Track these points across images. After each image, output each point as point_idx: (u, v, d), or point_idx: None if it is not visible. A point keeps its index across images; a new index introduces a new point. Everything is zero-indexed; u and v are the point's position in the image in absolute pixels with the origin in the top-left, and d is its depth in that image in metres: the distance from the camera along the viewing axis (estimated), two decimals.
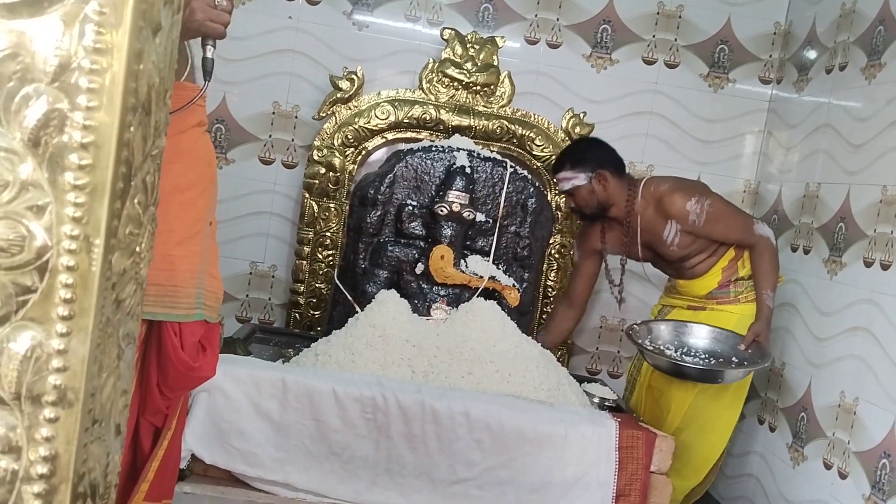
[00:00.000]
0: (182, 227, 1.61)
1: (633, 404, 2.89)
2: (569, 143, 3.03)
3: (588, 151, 2.83)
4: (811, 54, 3.14)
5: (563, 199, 2.99)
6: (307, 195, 3.15)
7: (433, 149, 2.90)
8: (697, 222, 2.69)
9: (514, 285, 2.84)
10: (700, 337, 2.74)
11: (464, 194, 2.78)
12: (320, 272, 3.16)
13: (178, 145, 1.56)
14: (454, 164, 2.84)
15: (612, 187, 2.78)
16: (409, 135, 3.17)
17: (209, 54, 1.57)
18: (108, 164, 0.75)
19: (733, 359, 2.64)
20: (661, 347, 2.70)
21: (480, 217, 2.84)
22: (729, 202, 2.82)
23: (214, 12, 1.50)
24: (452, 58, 3.16)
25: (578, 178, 2.77)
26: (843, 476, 2.49)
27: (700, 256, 2.78)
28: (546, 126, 3.23)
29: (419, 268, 2.79)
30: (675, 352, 2.69)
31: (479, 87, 3.17)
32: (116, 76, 0.74)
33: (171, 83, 0.87)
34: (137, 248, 0.84)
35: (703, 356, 2.67)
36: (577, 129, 3.23)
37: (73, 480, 0.78)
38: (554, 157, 3.19)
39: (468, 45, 3.17)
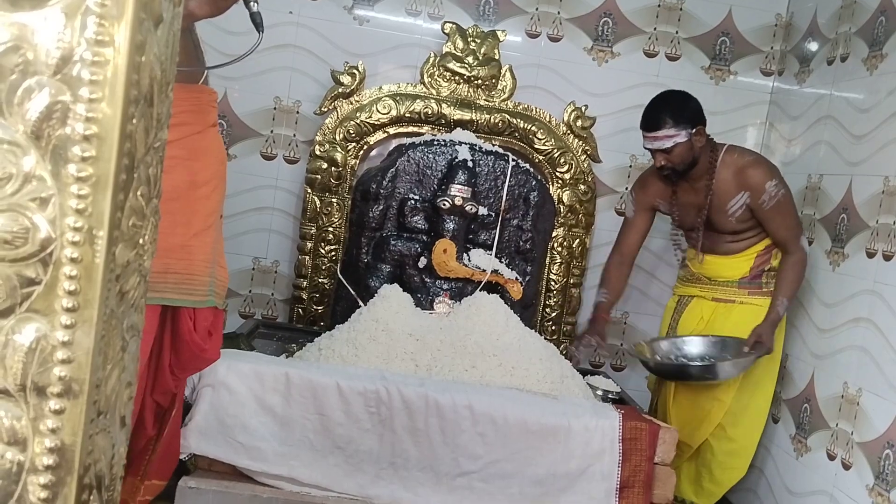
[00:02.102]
0: (198, 221, 1.72)
1: (660, 416, 2.88)
2: (656, 96, 2.74)
3: (685, 105, 2.69)
4: (812, 46, 3.14)
5: (655, 158, 2.71)
6: (309, 190, 3.15)
7: (435, 143, 2.90)
8: (766, 204, 2.66)
9: (516, 279, 2.84)
10: (698, 345, 2.76)
11: (466, 188, 2.79)
12: (323, 267, 3.16)
13: (196, 144, 1.68)
14: (456, 157, 2.85)
15: (704, 144, 2.70)
16: (410, 129, 3.17)
17: (255, 9, 1.67)
18: (110, 156, 0.75)
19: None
20: (661, 359, 2.74)
21: (483, 211, 2.84)
22: (794, 205, 2.78)
23: None
24: (453, 52, 3.16)
25: (680, 136, 2.63)
26: (846, 467, 2.49)
27: (743, 235, 2.76)
28: (548, 119, 3.22)
29: (422, 262, 2.79)
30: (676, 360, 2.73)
31: (480, 81, 3.17)
32: (118, 68, 0.74)
33: (173, 75, 0.87)
34: (141, 241, 0.84)
35: (707, 361, 2.70)
36: (579, 123, 3.23)
37: (78, 472, 0.78)
38: (556, 150, 3.20)
39: (469, 39, 3.16)
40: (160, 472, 1.97)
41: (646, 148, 2.73)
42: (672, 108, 2.66)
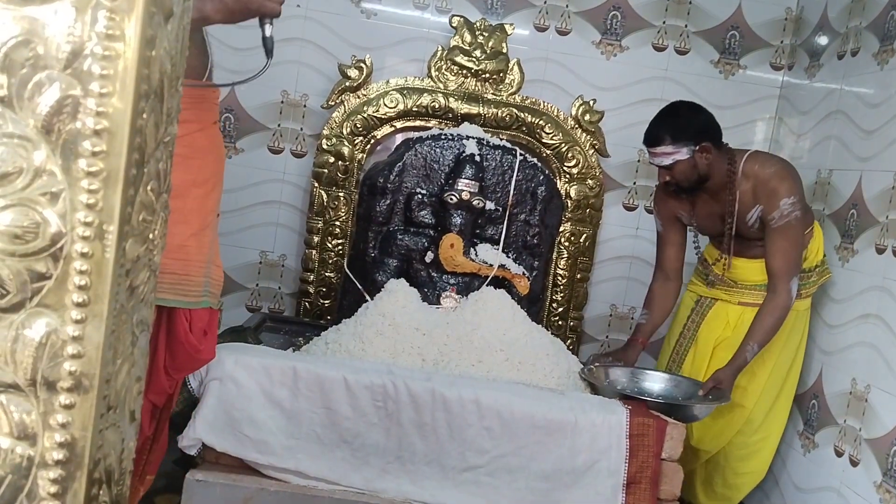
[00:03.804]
0: (197, 220, 1.70)
1: None
2: (663, 108, 2.63)
3: (689, 121, 2.55)
4: (823, 40, 3.12)
5: (658, 172, 2.64)
6: (316, 184, 3.15)
7: (442, 137, 2.90)
8: (776, 222, 2.52)
9: (523, 273, 2.84)
10: (657, 381, 2.65)
11: (473, 182, 2.78)
12: (330, 261, 3.17)
13: (197, 142, 1.67)
14: (463, 152, 2.84)
15: (714, 159, 2.56)
16: (418, 123, 3.16)
17: (268, 33, 1.64)
18: (121, 151, 0.75)
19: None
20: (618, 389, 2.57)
21: (490, 205, 2.84)
22: (804, 236, 2.62)
23: None
24: (461, 45, 3.15)
25: (680, 153, 2.51)
26: (854, 463, 2.49)
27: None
28: (555, 114, 3.21)
29: (429, 256, 2.79)
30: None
31: (488, 75, 3.16)
32: (129, 63, 0.74)
33: (182, 70, 0.87)
34: (150, 235, 0.84)
35: (660, 400, 2.52)
36: (587, 117, 3.22)
37: (88, 466, 0.78)
38: (564, 144, 3.19)
39: (477, 33, 3.15)
40: (153, 467, 1.97)
41: (650, 162, 2.66)
42: (673, 124, 2.53)
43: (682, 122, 2.54)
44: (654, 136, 2.55)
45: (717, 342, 2.75)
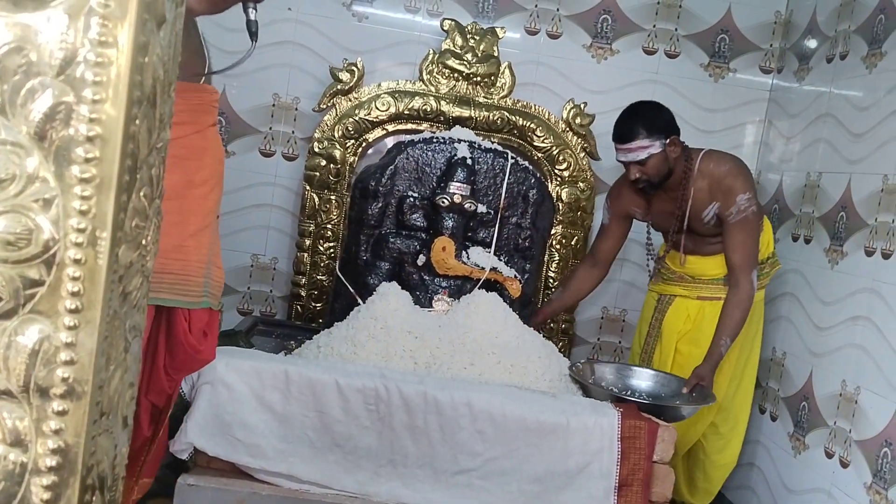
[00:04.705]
0: (195, 221, 1.70)
1: None
2: (628, 107, 2.69)
3: (658, 115, 2.65)
4: (812, 43, 3.14)
5: (630, 169, 2.66)
6: (308, 187, 3.15)
7: (434, 140, 2.90)
8: (733, 217, 2.60)
9: (515, 276, 2.84)
10: (643, 379, 2.70)
11: (465, 185, 2.78)
12: (322, 264, 3.16)
13: (195, 143, 1.68)
14: (455, 155, 2.84)
15: (679, 154, 2.65)
16: (409, 126, 3.17)
17: (252, 16, 1.64)
18: (114, 158, 0.75)
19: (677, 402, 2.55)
20: (605, 386, 2.62)
21: (482, 208, 2.84)
22: (759, 230, 2.70)
23: None
24: (452, 49, 3.15)
25: (654, 146, 2.59)
26: (844, 465, 2.50)
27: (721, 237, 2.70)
28: (547, 117, 3.22)
29: (421, 259, 2.79)
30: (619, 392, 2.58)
31: (479, 78, 3.16)
32: (122, 69, 0.74)
33: (175, 76, 0.87)
34: (143, 241, 0.84)
35: (646, 399, 2.56)
36: (578, 120, 3.23)
37: (81, 473, 0.78)
38: (555, 147, 3.20)
39: (468, 36, 3.16)
40: (150, 470, 1.97)
41: (619, 161, 2.70)
42: (645, 119, 2.61)
43: (651, 116, 2.64)
44: (629, 131, 2.62)
45: (679, 336, 2.82)
